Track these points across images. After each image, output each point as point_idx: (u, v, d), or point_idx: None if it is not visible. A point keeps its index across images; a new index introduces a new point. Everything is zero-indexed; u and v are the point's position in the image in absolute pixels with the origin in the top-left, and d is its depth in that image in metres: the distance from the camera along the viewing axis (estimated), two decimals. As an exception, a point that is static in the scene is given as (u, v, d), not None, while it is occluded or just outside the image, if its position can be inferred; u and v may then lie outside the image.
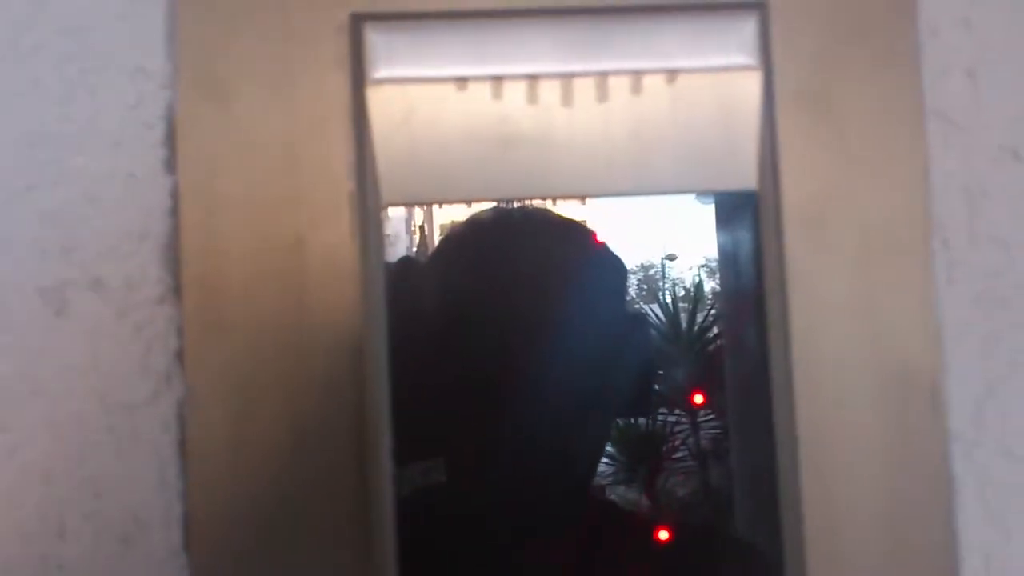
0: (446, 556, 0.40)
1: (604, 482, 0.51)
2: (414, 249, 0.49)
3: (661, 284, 0.53)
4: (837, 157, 0.43)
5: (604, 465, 0.46)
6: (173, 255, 0.41)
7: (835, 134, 0.43)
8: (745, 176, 0.43)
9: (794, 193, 0.43)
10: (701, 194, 0.43)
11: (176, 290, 0.41)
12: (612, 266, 0.43)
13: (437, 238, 0.46)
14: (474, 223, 0.45)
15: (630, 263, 0.48)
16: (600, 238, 0.43)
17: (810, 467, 0.42)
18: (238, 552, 0.40)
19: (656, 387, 0.48)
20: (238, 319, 0.41)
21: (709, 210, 0.46)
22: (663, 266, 0.52)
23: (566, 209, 0.46)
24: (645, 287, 0.52)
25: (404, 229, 0.49)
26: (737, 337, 0.44)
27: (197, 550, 0.40)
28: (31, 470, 0.41)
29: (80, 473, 0.41)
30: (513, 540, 0.42)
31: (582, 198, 0.42)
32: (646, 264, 0.52)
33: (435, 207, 0.47)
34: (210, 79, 0.41)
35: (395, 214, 0.48)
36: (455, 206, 0.47)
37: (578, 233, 0.42)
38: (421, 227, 0.48)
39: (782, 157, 0.43)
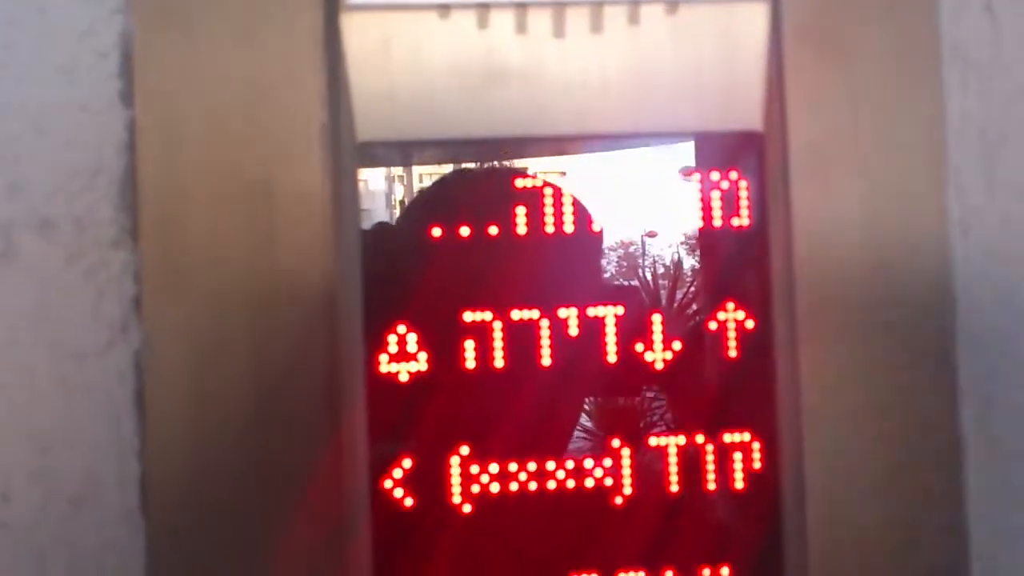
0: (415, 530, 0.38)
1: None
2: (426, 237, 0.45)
3: (641, 261, 0.52)
4: (848, 98, 0.41)
5: (580, 440, 0.44)
6: (129, 194, 0.38)
7: (845, 73, 0.41)
8: (750, 116, 0.40)
9: (801, 136, 0.40)
10: (702, 135, 0.40)
11: (132, 232, 0.38)
12: (588, 235, 0.40)
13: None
14: (444, 183, 0.42)
15: (610, 240, 0.47)
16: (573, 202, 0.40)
17: (814, 449, 0.40)
18: (199, 514, 0.37)
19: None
20: (201, 264, 0.38)
21: (690, 187, 0.43)
22: (643, 243, 0.51)
23: (543, 176, 0.43)
24: (625, 264, 0.51)
25: (384, 204, 0.50)
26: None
27: (155, 512, 0.37)
28: (-26, 425, 0.38)
29: (26, 429, 0.38)
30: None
31: (574, 139, 0.39)
32: (626, 241, 0.51)
33: (416, 181, 0.45)
34: (169, 3, 0.38)
35: (375, 188, 0.48)
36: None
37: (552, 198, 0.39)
38: (401, 201, 0.48)
39: (789, 97, 0.40)
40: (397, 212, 0.46)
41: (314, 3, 0.38)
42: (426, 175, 0.46)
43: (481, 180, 0.44)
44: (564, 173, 0.45)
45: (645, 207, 0.48)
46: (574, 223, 0.40)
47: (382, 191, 0.50)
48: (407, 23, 0.39)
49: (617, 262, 0.49)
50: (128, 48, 0.38)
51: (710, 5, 0.40)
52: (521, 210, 0.40)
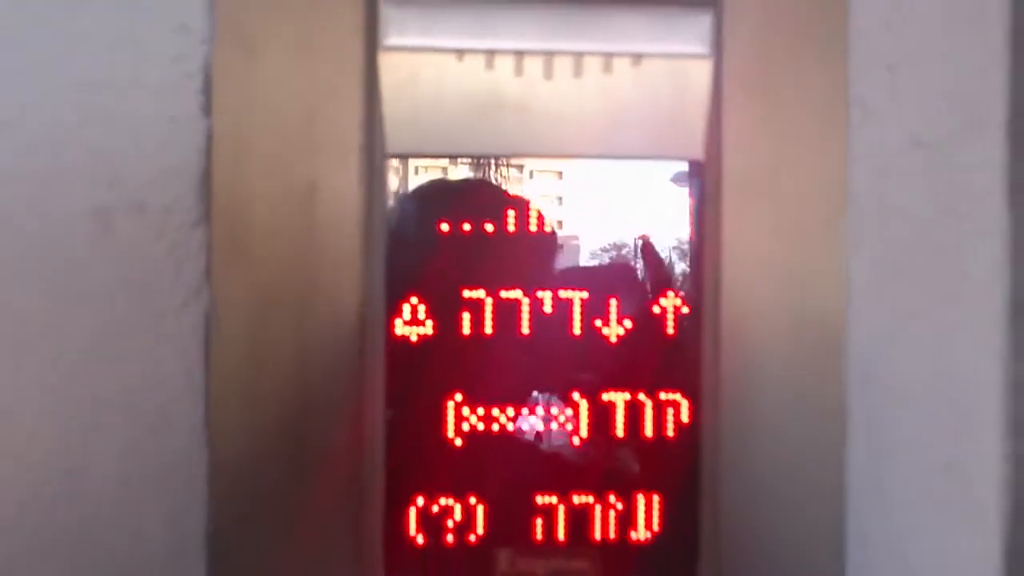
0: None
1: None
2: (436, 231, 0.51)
3: (633, 263, 0.55)
4: (771, 136, 0.51)
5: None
6: (205, 187, 0.48)
7: (771, 117, 0.51)
8: (694, 148, 0.51)
9: (733, 164, 0.51)
10: (655, 159, 0.51)
11: (206, 217, 0.48)
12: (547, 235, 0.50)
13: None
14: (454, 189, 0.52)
15: (603, 242, 0.53)
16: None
17: (729, 407, 0.51)
18: (253, 433, 0.47)
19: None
20: (257, 245, 0.48)
21: (683, 193, 0.52)
22: (636, 246, 0.54)
23: (543, 187, 0.52)
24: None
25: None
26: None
27: (217, 436, 0.48)
28: (77, 365, 0.48)
29: (117, 370, 0.48)
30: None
31: (556, 158, 0.49)
32: (619, 243, 0.54)
33: (411, 172, 0.52)
34: (243, 38, 0.48)
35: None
36: (430, 172, 0.52)
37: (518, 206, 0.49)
38: (396, 191, 0.52)
39: (725, 133, 0.50)
40: (391, 200, 0.51)
41: (357, 43, 0.48)
42: (421, 167, 0.52)
43: (483, 189, 0.53)
44: (560, 174, 0.53)
45: (639, 212, 0.53)
46: (538, 226, 0.50)
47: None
48: (431, 62, 0.49)
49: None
50: (209, 71, 0.48)
51: (667, 59, 0.50)
52: (511, 213, 0.50)
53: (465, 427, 0.50)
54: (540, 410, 0.50)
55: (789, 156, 0.51)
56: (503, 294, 0.50)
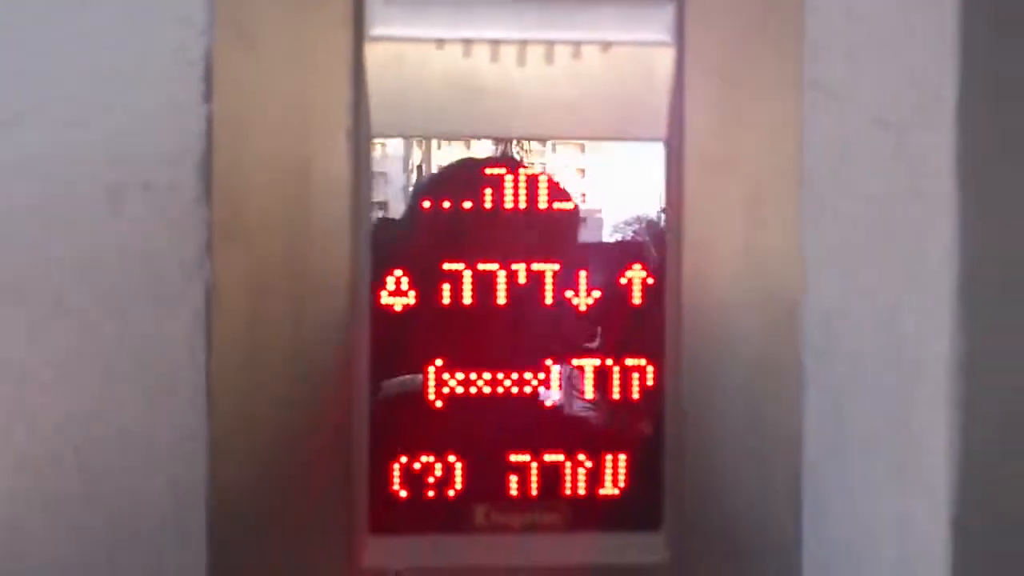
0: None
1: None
2: (410, 188, 0.55)
3: (628, 268, 0.57)
4: (732, 118, 0.54)
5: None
6: (207, 167, 0.52)
7: (731, 100, 0.54)
8: (658, 129, 0.54)
9: (695, 145, 0.54)
10: (622, 140, 0.54)
11: (208, 195, 0.52)
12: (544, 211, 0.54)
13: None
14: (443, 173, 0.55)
15: (637, 236, 0.56)
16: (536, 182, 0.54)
17: (691, 372, 0.54)
18: (250, 394, 0.52)
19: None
20: (255, 221, 0.52)
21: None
22: (661, 220, 0.57)
23: (564, 159, 0.55)
24: (650, 260, 0.56)
25: (402, 167, 0.55)
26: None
27: (217, 395, 0.52)
28: (86, 332, 0.52)
29: (125, 335, 0.52)
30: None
31: (530, 139, 0.53)
32: (653, 239, 0.56)
33: (434, 148, 0.55)
34: (240, 29, 0.52)
35: (393, 152, 0.54)
36: (452, 146, 0.55)
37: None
38: (419, 166, 0.55)
39: (687, 116, 0.54)
40: (414, 176, 0.54)
41: (345, 34, 0.53)
42: (444, 142, 0.55)
43: (462, 167, 0.57)
44: (593, 166, 0.56)
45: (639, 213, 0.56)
46: (527, 200, 0.54)
47: (399, 155, 0.55)
48: (413, 51, 0.53)
49: (643, 258, 0.56)
50: (209, 60, 0.52)
51: (633, 47, 0.54)
52: (488, 191, 0.54)
53: (445, 390, 0.54)
54: (515, 374, 0.54)
55: (748, 137, 0.54)
56: (480, 266, 0.53)
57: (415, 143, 0.55)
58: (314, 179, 0.52)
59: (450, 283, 0.54)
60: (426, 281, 0.54)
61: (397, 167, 0.54)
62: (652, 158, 0.55)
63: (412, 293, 0.54)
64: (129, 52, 0.52)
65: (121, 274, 0.52)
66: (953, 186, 0.56)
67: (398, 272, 0.54)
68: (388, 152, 0.55)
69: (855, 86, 0.56)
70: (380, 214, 0.54)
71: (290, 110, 0.52)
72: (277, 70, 0.52)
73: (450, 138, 0.54)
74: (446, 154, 0.55)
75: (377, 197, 0.54)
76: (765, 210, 0.54)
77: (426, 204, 0.54)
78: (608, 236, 0.55)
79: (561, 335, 0.54)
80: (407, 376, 0.54)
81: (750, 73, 0.54)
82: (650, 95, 0.54)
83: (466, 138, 0.54)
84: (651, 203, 0.55)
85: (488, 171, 0.54)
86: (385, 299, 0.53)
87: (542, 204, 0.54)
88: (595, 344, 0.55)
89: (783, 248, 0.55)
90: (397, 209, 0.54)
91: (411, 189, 0.54)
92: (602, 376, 0.55)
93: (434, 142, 0.54)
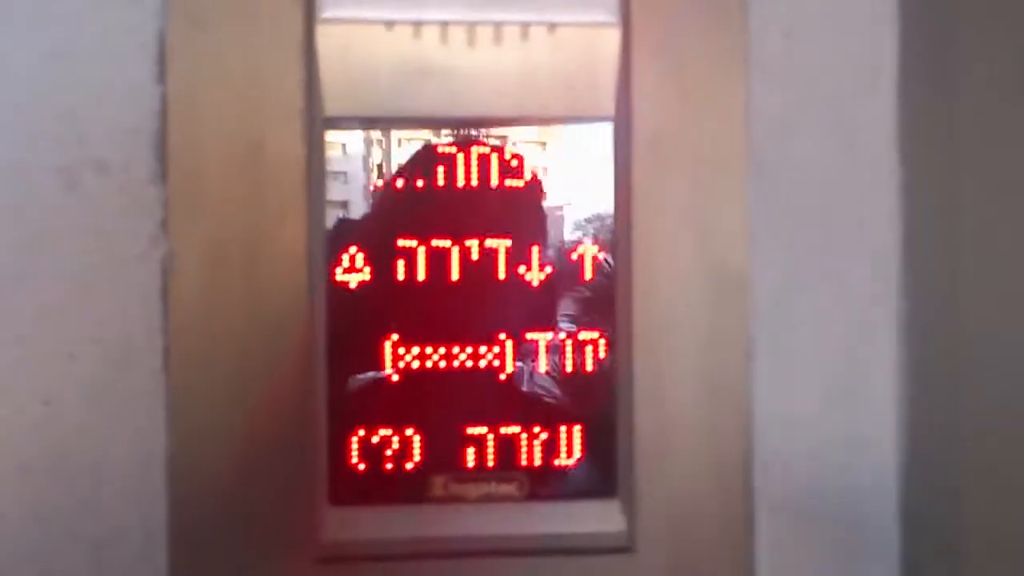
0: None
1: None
2: (371, 187, 0.55)
3: (579, 244, 0.58)
4: (678, 96, 0.56)
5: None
6: (161, 147, 0.53)
7: (676, 79, 0.56)
8: (605, 108, 0.56)
9: (642, 122, 0.56)
10: (570, 121, 0.56)
11: (163, 174, 0.53)
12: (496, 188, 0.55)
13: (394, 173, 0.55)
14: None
15: (587, 212, 0.57)
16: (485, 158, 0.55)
17: (642, 344, 0.56)
18: (207, 368, 0.53)
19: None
20: (210, 199, 0.53)
21: None
22: (584, 225, 0.57)
23: (521, 146, 0.56)
24: (602, 236, 0.57)
25: (362, 166, 0.55)
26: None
27: (175, 371, 0.53)
28: (49, 307, 0.53)
29: (87, 310, 0.53)
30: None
31: (480, 120, 0.54)
32: (603, 215, 0.57)
33: (394, 145, 0.55)
34: (192, 11, 0.53)
35: (353, 151, 0.55)
36: (411, 144, 0.56)
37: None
38: (379, 165, 0.56)
39: (634, 94, 0.55)
40: (375, 174, 0.55)
41: (297, 16, 0.54)
42: (405, 139, 0.56)
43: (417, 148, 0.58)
44: (544, 144, 0.57)
45: (586, 190, 0.57)
46: (479, 178, 0.56)
47: (360, 154, 0.56)
48: (363, 32, 0.54)
49: (594, 233, 0.56)
50: (163, 41, 0.53)
51: (580, 27, 0.55)
52: (440, 168, 0.55)
53: (401, 364, 0.55)
54: (469, 348, 0.55)
55: (694, 114, 0.56)
56: (434, 243, 0.55)
57: (375, 141, 0.55)
58: (268, 158, 0.53)
59: (404, 259, 0.55)
60: (381, 258, 0.54)
61: (357, 165, 0.55)
62: (601, 137, 0.56)
63: (367, 269, 0.54)
64: (83, 33, 0.53)
65: (78, 253, 0.53)
66: (894, 157, 0.58)
67: (353, 249, 0.54)
68: (349, 152, 0.55)
69: (794, 65, 0.58)
70: (340, 213, 0.54)
71: (243, 90, 0.53)
72: (229, 50, 0.53)
73: (400, 119, 0.55)
74: (405, 151, 0.55)
75: (335, 196, 0.55)
76: (712, 185, 0.56)
77: (379, 183, 0.55)
78: (559, 213, 0.56)
79: (514, 310, 0.56)
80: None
81: (695, 52, 0.56)
82: (597, 75, 0.55)
83: (417, 120, 0.55)
84: (601, 181, 0.56)
85: (440, 150, 0.55)
86: (340, 275, 0.54)
87: (494, 182, 0.55)
88: (547, 319, 0.56)
89: (730, 221, 0.56)
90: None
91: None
92: (555, 349, 0.56)
93: (393, 139, 0.55)
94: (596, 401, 0.56)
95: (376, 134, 0.56)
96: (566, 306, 0.57)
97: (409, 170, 0.55)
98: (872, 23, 0.58)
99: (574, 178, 0.56)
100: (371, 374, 0.55)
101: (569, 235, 0.56)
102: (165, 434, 0.53)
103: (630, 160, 0.55)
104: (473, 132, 0.56)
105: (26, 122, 0.53)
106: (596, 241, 0.56)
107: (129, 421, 0.54)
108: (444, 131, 0.55)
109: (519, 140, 0.56)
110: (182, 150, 0.53)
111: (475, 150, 0.55)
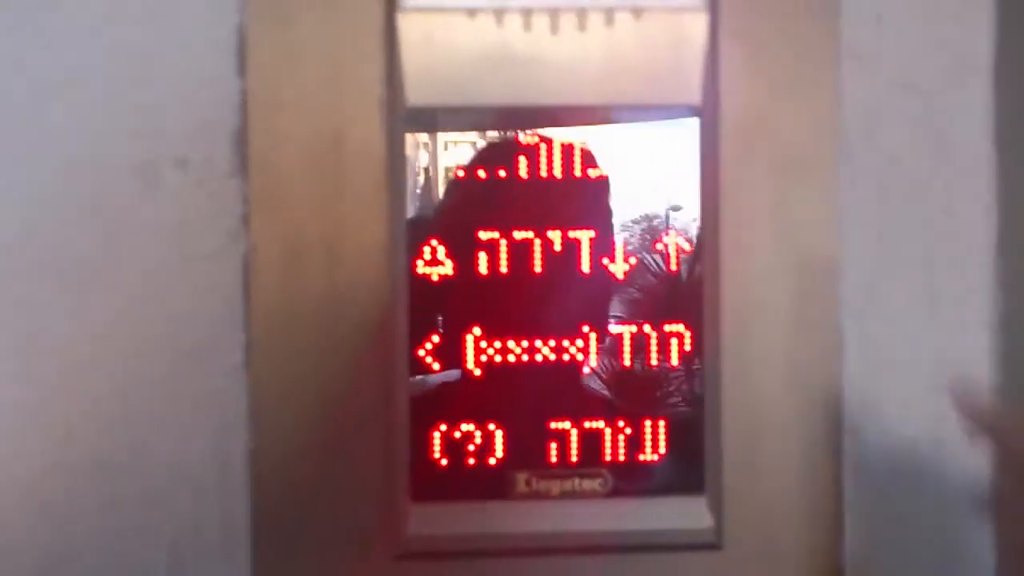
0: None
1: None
2: (418, 190, 0.55)
3: (664, 235, 0.56)
4: (766, 83, 0.54)
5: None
6: (241, 140, 0.52)
7: (765, 65, 0.54)
8: (692, 94, 0.54)
9: (729, 110, 0.54)
10: (655, 109, 0.54)
11: (243, 167, 0.52)
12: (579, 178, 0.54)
13: (441, 180, 0.55)
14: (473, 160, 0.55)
15: (635, 213, 0.56)
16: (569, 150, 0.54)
17: (729, 337, 0.54)
18: (288, 364, 0.52)
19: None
20: (290, 192, 0.53)
21: None
22: (667, 216, 0.56)
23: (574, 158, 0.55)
24: (649, 237, 0.56)
25: (409, 171, 0.54)
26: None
27: (255, 366, 0.52)
28: (128, 303, 0.53)
29: (167, 305, 0.53)
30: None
31: (564, 107, 0.53)
32: (651, 215, 0.56)
33: (440, 148, 0.55)
34: (272, 3, 0.52)
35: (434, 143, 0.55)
36: (459, 147, 0.55)
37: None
38: (426, 169, 0.55)
39: (721, 81, 0.54)
40: (421, 178, 0.54)
41: (377, 6, 0.53)
42: (451, 143, 0.55)
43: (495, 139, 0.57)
44: (629, 132, 0.56)
45: (670, 182, 0.55)
46: (562, 169, 0.54)
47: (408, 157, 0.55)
48: (445, 21, 0.53)
49: (641, 234, 0.55)
50: (242, 35, 0.53)
51: (665, 13, 0.54)
52: (523, 159, 0.54)
53: (483, 358, 0.54)
54: (552, 342, 0.54)
55: (782, 101, 0.54)
56: (516, 234, 0.53)
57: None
58: (349, 150, 0.52)
59: (486, 252, 0.53)
60: (462, 250, 0.53)
61: (438, 157, 0.54)
62: (687, 125, 0.54)
63: (449, 262, 0.53)
64: (162, 29, 0.52)
65: (158, 248, 0.52)
66: (989, 146, 0.56)
67: (434, 242, 0.53)
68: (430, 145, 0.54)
69: (887, 50, 0.56)
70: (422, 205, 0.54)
71: (324, 82, 0.52)
72: (310, 43, 0.52)
73: (483, 107, 0.53)
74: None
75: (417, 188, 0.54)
76: (801, 175, 0.54)
77: (460, 174, 0.54)
78: (644, 203, 0.55)
79: (598, 302, 0.54)
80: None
81: (784, 38, 0.54)
82: (683, 61, 0.54)
83: (500, 109, 0.54)
84: (687, 171, 0.55)
85: (523, 139, 0.54)
86: (422, 268, 0.53)
87: (577, 172, 0.54)
88: (632, 311, 0.55)
89: (819, 211, 0.55)
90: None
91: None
92: (640, 343, 0.54)
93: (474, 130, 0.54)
94: (682, 395, 0.55)
95: (455, 124, 0.54)
96: (649, 299, 0.55)
97: (492, 160, 0.54)
98: (966, 8, 0.56)
99: (659, 167, 0.55)
100: (453, 369, 0.54)
101: (653, 226, 0.55)
102: (246, 430, 0.52)
103: (717, 149, 0.54)
104: (556, 121, 0.54)
105: (106, 119, 0.52)
106: (681, 232, 0.55)
107: (209, 417, 0.53)
108: (526, 120, 0.54)
109: (604, 129, 0.55)
110: (262, 144, 0.52)
111: (558, 139, 0.54)
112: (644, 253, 0.55)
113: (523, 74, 0.53)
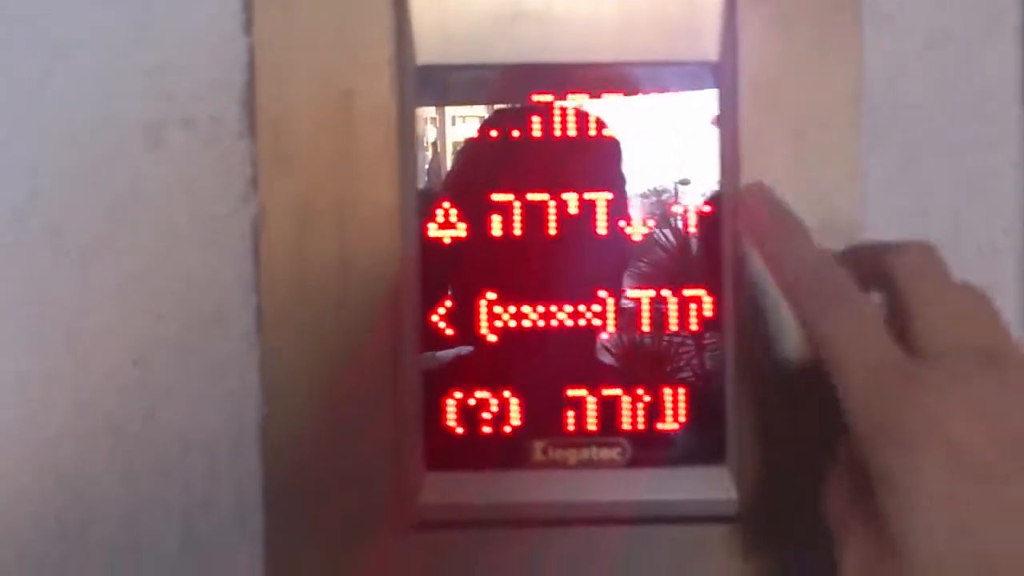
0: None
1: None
2: (426, 165, 0.53)
3: (673, 209, 0.55)
4: (786, 39, 0.53)
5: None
6: (250, 100, 0.51)
7: (785, 21, 0.53)
8: (710, 50, 0.53)
9: (747, 68, 0.53)
10: (673, 65, 0.53)
11: (251, 128, 0.52)
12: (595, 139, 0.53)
13: (449, 154, 0.53)
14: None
15: (643, 187, 0.54)
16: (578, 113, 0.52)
17: (751, 302, 0.52)
18: (300, 329, 0.51)
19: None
20: (300, 153, 0.51)
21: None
22: (676, 191, 0.54)
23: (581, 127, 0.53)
24: (658, 211, 0.54)
25: (417, 146, 0.53)
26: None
27: (267, 331, 0.51)
28: (137, 268, 0.52)
29: (176, 270, 0.52)
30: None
31: (576, 64, 0.52)
32: (659, 189, 0.54)
33: (448, 123, 0.53)
34: (280, -41, 0.51)
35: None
36: (468, 122, 0.54)
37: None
38: (434, 144, 0.53)
39: (740, 36, 0.52)
40: (429, 153, 0.52)
41: (386, -41, 0.52)
42: (458, 117, 0.53)
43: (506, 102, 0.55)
44: (644, 91, 0.53)
45: (678, 155, 0.54)
46: (576, 130, 0.53)
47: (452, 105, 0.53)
48: (455, -24, 0.52)
49: (650, 208, 0.53)
50: (249, -8, 0.52)
51: (682, -35, 0.53)
52: (536, 119, 0.53)
53: (498, 324, 0.53)
54: (568, 307, 0.53)
55: (803, 59, 0.53)
56: (530, 196, 0.52)
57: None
58: (358, 109, 0.51)
59: (500, 214, 0.52)
60: (475, 213, 0.52)
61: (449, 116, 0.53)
62: (704, 83, 0.53)
63: (461, 225, 0.52)
64: (168, -15, 0.51)
65: (166, 210, 0.51)
66: (1018, 106, 0.54)
67: (446, 204, 0.52)
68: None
69: (912, 6, 0.55)
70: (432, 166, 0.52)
71: (332, 39, 0.51)
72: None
73: (495, 65, 0.52)
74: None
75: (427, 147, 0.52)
76: (822, 135, 0.53)
77: (472, 135, 0.53)
78: (660, 163, 0.53)
79: (615, 266, 0.53)
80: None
81: (804, -8, 0.52)
82: (700, 16, 0.52)
83: (511, 66, 0.52)
84: (704, 130, 0.53)
85: (535, 98, 0.52)
86: (434, 231, 0.52)
87: (592, 132, 0.53)
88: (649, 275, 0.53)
89: (841, 174, 0.53)
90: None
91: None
92: (658, 307, 0.53)
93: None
94: (702, 362, 0.53)
95: (468, 80, 0.53)
96: (668, 261, 0.54)
97: (504, 121, 0.52)
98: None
99: (675, 127, 0.53)
100: (467, 334, 0.53)
101: (670, 186, 0.53)
102: (258, 396, 0.51)
103: (735, 108, 0.52)
104: (569, 79, 0.53)
105: (110, 79, 0.51)
106: (699, 193, 0.53)
107: (220, 383, 0.52)
108: (538, 79, 0.53)
109: (619, 87, 0.53)
110: (271, 103, 0.51)
111: (572, 98, 0.52)
112: (661, 216, 0.53)
113: (535, 31, 0.52)
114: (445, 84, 0.54)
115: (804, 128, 0.53)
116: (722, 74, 0.53)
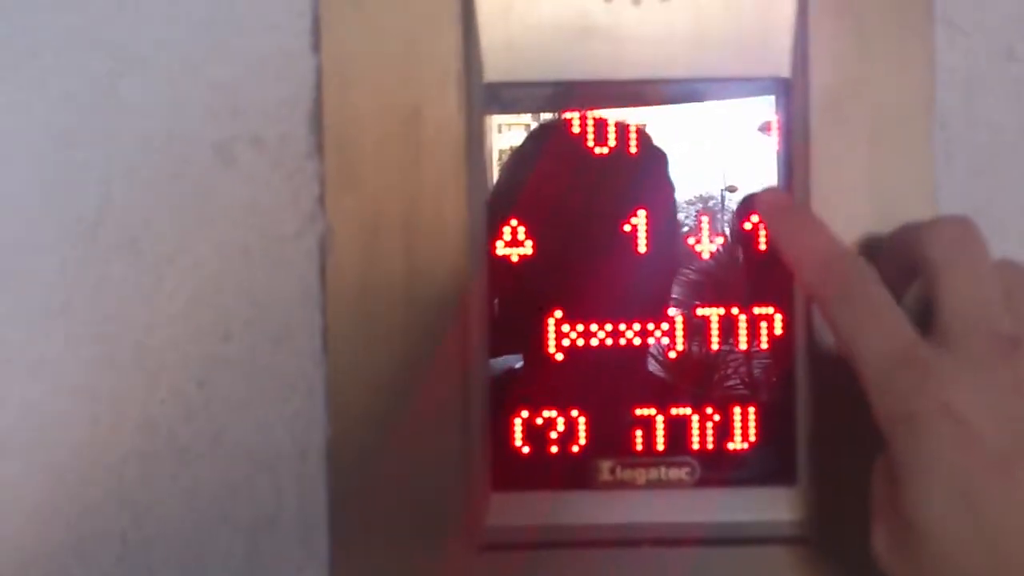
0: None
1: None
2: (494, 181, 0.53)
3: (720, 216, 0.54)
4: (858, 52, 0.52)
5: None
6: (317, 119, 0.51)
7: (857, 33, 0.52)
8: (780, 65, 0.52)
9: (820, 81, 0.52)
10: (743, 80, 0.52)
11: (319, 148, 0.51)
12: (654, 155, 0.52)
13: (496, 163, 0.53)
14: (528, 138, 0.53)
15: (690, 194, 0.53)
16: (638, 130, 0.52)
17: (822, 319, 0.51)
18: (365, 348, 0.51)
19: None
20: (367, 172, 0.51)
21: (770, 143, 0.53)
22: (723, 197, 0.54)
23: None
24: (705, 217, 0.53)
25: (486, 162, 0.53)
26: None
27: (334, 351, 0.51)
28: (206, 286, 0.52)
29: (243, 289, 0.52)
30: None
31: (646, 81, 0.51)
32: (705, 196, 0.54)
33: (494, 131, 0.53)
34: (348, -23, 0.51)
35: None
36: (513, 131, 0.54)
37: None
38: (500, 160, 0.54)
39: (811, 51, 0.52)
40: (496, 170, 0.53)
41: (454, -23, 0.51)
42: (504, 125, 0.53)
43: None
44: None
45: (725, 162, 0.53)
46: (638, 146, 0.52)
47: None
48: (523, -7, 0.52)
49: (696, 215, 0.53)
50: (317, 9, 0.52)
51: (753, -21, 0.52)
52: (603, 135, 0.52)
53: (565, 342, 0.52)
54: (636, 325, 0.52)
55: (875, 72, 0.52)
56: (598, 212, 0.52)
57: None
58: (425, 127, 0.51)
59: (568, 232, 0.52)
60: (543, 230, 0.52)
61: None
62: (777, 98, 0.52)
63: (529, 243, 0.52)
64: (236, 3, 0.51)
65: (234, 229, 0.51)
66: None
67: (514, 222, 0.52)
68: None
69: (985, 19, 0.54)
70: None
71: (399, 57, 0.51)
72: (384, 16, 0.51)
73: (563, 82, 0.52)
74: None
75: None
76: (895, 148, 0.52)
77: (538, 151, 0.52)
78: (730, 180, 0.53)
79: (684, 284, 0.52)
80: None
81: (876, 4, 0.52)
82: (772, 30, 0.52)
83: (579, 82, 0.52)
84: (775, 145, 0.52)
85: (602, 115, 0.52)
86: (502, 249, 0.52)
87: (658, 149, 0.52)
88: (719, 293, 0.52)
89: (914, 186, 0.52)
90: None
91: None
92: (728, 326, 0.52)
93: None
94: (773, 381, 0.53)
95: (533, 100, 0.52)
96: (737, 280, 0.53)
97: (570, 137, 0.52)
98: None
99: (746, 142, 0.53)
100: (534, 353, 0.52)
101: (709, 207, 0.53)
102: (324, 416, 0.51)
103: (807, 122, 0.52)
104: (637, 96, 0.52)
105: (180, 96, 0.51)
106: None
107: (286, 403, 0.52)
108: (610, 95, 0.52)
109: (690, 103, 0.52)
110: (338, 122, 0.51)
111: (640, 114, 0.52)
112: (733, 232, 0.52)
113: (604, 47, 0.51)
114: (512, 100, 0.53)
115: (878, 140, 0.52)
116: (794, 88, 0.52)
